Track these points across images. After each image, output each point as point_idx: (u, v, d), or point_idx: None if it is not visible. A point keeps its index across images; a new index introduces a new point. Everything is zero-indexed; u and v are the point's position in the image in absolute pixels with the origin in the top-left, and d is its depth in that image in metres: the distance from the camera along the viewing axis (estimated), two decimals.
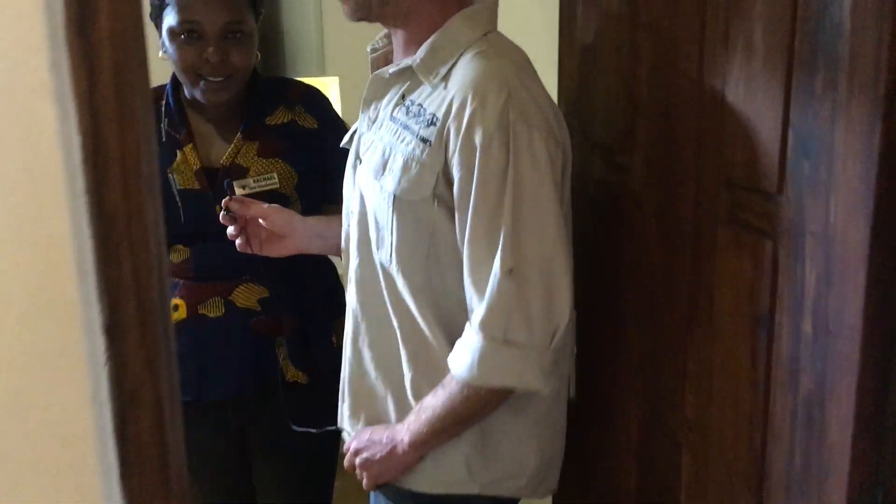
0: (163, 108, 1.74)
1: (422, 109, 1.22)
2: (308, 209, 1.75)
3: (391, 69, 1.28)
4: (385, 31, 1.36)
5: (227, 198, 1.56)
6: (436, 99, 1.21)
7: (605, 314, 1.37)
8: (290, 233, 1.58)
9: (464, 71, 1.20)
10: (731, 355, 1.06)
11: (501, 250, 1.13)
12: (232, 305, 1.74)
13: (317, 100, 1.83)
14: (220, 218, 1.55)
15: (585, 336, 1.42)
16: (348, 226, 1.39)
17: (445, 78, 1.22)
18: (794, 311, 0.95)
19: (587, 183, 1.41)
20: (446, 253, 1.21)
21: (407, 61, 1.25)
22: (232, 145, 1.72)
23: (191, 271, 1.74)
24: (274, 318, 1.76)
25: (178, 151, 1.71)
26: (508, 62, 1.21)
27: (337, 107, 2.68)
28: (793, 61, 0.95)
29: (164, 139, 1.73)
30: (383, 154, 1.26)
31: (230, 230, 1.56)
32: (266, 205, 1.58)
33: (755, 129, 1.01)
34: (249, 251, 1.59)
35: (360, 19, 1.26)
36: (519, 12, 1.84)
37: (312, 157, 1.79)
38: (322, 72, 2.88)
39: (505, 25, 1.74)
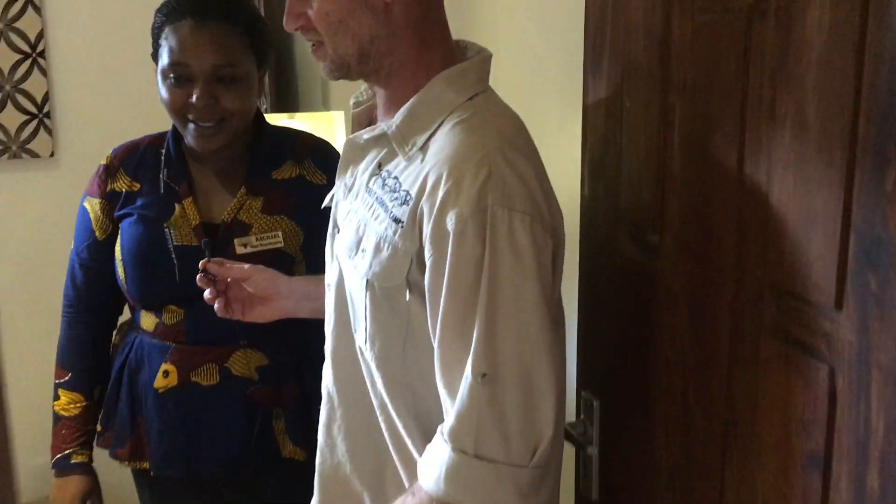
0: (163, 158, 1.63)
1: (397, 184, 1.10)
2: (313, 269, 1.62)
3: (365, 134, 1.16)
4: None
5: (205, 259, 1.45)
6: (412, 173, 1.08)
7: (630, 411, 1.20)
8: (275, 295, 1.47)
9: (442, 143, 1.07)
10: (777, 494, 0.89)
11: (474, 352, 1.00)
12: (227, 373, 1.61)
13: (327, 154, 1.70)
14: (198, 280, 1.45)
15: (608, 431, 1.25)
16: (327, 299, 1.26)
17: (423, 149, 1.09)
18: (856, 457, 0.78)
19: (611, 258, 1.24)
20: (424, 343, 1.08)
21: (382, 127, 1.13)
22: (235, 200, 1.61)
23: (183, 334, 1.61)
24: (273, 388, 1.63)
25: (176, 204, 1.61)
26: (493, 133, 1.07)
27: (340, 142, 2.59)
28: (856, 147, 0.79)
29: (162, 191, 1.62)
30: (357, 230, 1.15)
31: (207, 293, 1.45)
32: (246, 265, 1.47)
33: (808, 228, 0.84)
34: (230, 317, 1.47)
35: (338, 78, 1.15)
36: (539, 57, 1.68)
37: (320, 216, 1.67)
38: (326, 106, 2.81)
39: (523, 71, 1.57)
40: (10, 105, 2.59)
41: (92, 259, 1.67)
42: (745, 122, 0.94)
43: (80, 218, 1.68)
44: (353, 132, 1.22)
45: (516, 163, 1.04)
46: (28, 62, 2.60)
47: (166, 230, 1.59)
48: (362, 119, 1.25)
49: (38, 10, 2.58)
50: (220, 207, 1.62)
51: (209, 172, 1.64)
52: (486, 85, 1.15)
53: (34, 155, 2.65)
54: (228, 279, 1.45)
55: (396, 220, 1.07)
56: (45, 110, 2.64)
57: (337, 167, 1.69)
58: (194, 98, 1.51)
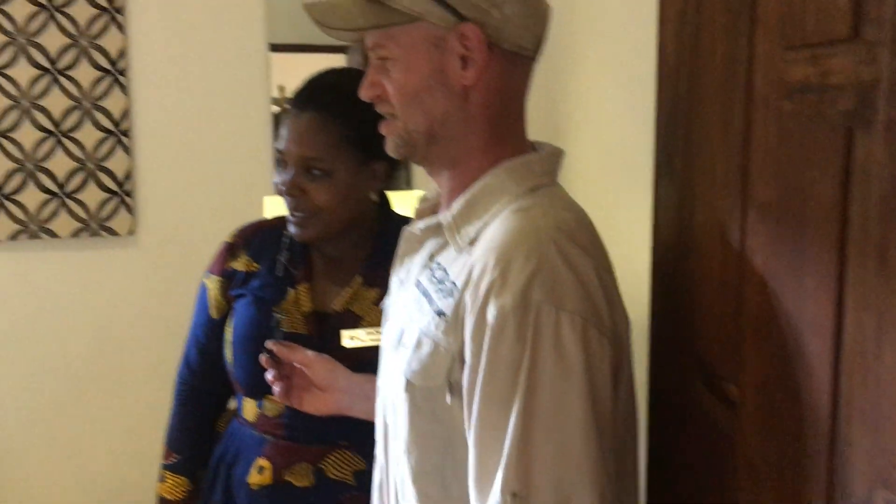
0: (285, 240, 1.58)
1: (445, 275, 1.01)
2: None
3: (420, 224, 1.09)
4: None
5: (272, 340, 1.41)
6: (460, 264, 1.00)
7: None
8: (331, 388, 1.42)
9: (494, 231, 0.98)
10: None
11: (505, 466, 0.89)
12: (322, 475, 1.52)
13: None
14: (261, 359, 1.40)
15: None
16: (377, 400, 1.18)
17: (476, 240, 1.00)
18: None
19: (683, 407, 1.01)
20: (467, 457, 0.95)
21: (439, 217, 1.06)
22: (349, 290, 1.54)
23: (282, 428, 1.54)
24: (370, 497, 1.49)
25: (290, 289, 1.55)
26: (550, 223, 0.96)
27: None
28: None
29: (279, 273, 1.57)
30: (401, 324, 1.07)
31: (268, 375, 1.40)
32: (311, 352, 1.41)
33: None
34: (289, 403, 1.43)
35: (403, 157, 1.08)
36: (610, 152, 1.49)
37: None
38: (409, 185, 2.75)
39: (592, 169, 1.37)
40: (91, 182, 2.59)
41: (206, 339, 1.64)
42: (845, 260, 0.72)
43: (199, 296, 1.65)
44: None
45: (572, 257, 0.93)
46: (111, 140, 2.59)
47: (276, 315, 1.53)
48: (424, 216, 1.17)
49: (123, 88, 2.59)
50: (334, 296, 1.56)
51: (329, 259, 1.58)
52: (554, 179, 1.06)
53: (113, 233, 2.63)
54: (294, 363, 1.42)
55: (440, 314, 0.98)
56: (126, 188, 2.63)
57: None
58: (285, 186, 1.48)
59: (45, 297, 2.62)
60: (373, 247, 1.55)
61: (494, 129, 1.03)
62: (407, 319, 1.04)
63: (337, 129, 1.46)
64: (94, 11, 2.55)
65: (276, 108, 2.80)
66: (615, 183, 1.48)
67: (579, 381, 0.88)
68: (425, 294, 1.02)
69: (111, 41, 2.57)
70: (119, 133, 2.62)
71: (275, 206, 2.47)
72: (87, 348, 2.67)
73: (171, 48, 2.65)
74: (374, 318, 1.51)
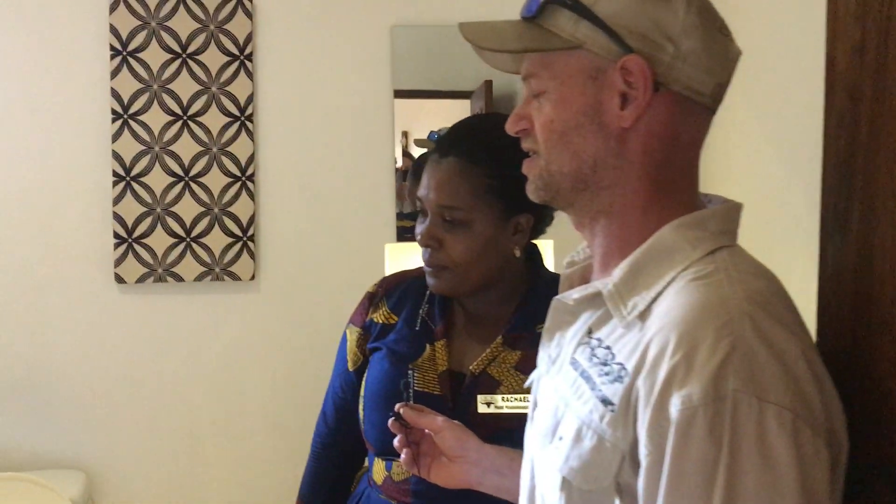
0: (427, 292, 1.48)
1: (609, 355, 0.84)
2: None
3: (575, 294, 0.92)
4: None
5: (402, 403, 1.29)
6: (629, 343, 0.83)
7: None
8: (461, 458, 1.28)
9: (670, 304, 0.81)
10: None
11: None
12: None
13: None
14: (389, 424, 1.28)
15: None
16: (521, 494, 1.03)
17: (646, 313, 0.83)
18: None
19: None
20: None
21: (597, 285, 0.89)
22: (488, 350, 1.41)
23: (409, 495, 1.41)
24: None
25: (427, 345, 1.44)
26: (740, 294, 0.79)
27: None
28: None
29: (418, 327, 1.47)
30: (555, 412, 0.90)
31: (396, 441, 1.29)
32: (440, 418, 1.28)
33: None
34: (415, 472, 1.30)
35: (543, 200, 0.95)
36: (776, 211, 1.32)
37: None
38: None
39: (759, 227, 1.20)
40: (216, 228, 2.61)
41: (343, 392, 1.56)
42: None
43: (340, 347, 1.58)
44: (560, 294, 0.99)
45: (773, 335, 0.76)
46: (237, 185, 2.61)
47: (410, 372, 1.43)
48: (574, 281, 1.02)
49: (250, 134, 2.60)
50: (471, 356, 1.44)
51: (470, 316, 1.47)
52: (734, 239, 0.89)
53: (236, 278, 2.63)
54: (420, 427, 1.29)
55: (605, 402, 0.82)
56: (250, 233, 2.63)
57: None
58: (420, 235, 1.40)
59: (168, 340, 2.64)
60: (518, 306, 1.43)
61: (656, 181, 0.88)
62: (562, 405, 0.90)
63: (478, 178, 1.36)
64: (225, 58, 2.58)
65: (398, 154, 2.75)
66: (770, 242, 1.31)
67: (792, 492, 0.72)
68: (585, 376, 0.87)
69: (240, 87, 2.60)
70: (245, 178, 2.63)
71: (397, 254, 2.40)
72: (205, 394, 2.66)
73: (297, 94, 2.65)
74: (512, 384, 1.39)
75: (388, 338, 1.48)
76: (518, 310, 1.42)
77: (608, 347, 0.84)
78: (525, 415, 1.33)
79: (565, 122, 0.88)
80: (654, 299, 0.83)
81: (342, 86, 2.67)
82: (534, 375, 1.04)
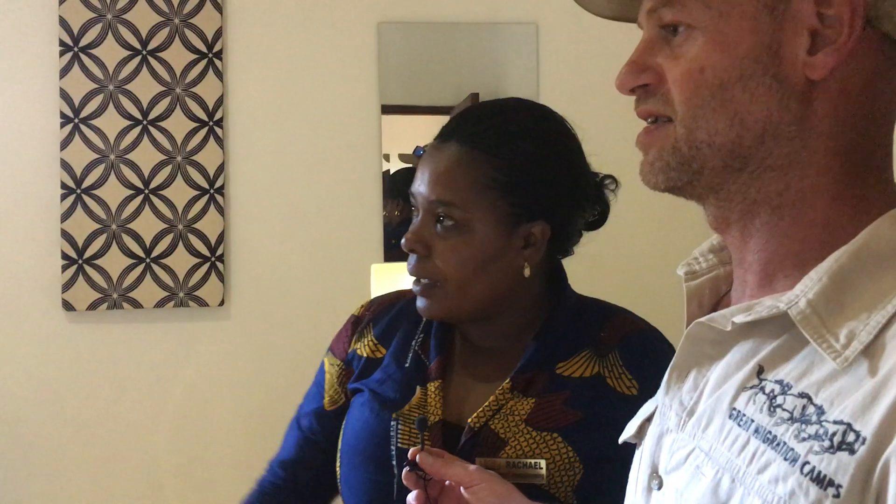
0: (423, 321, 1.17)
1: (811, 408, 0.58)
2: None
3: (738, 316, 0.63)
4: (714, 237, 0.74)
5: (416, 447, 1.00)
6: (851, 390, 0.57)
7: None
8: None
9: None
10: None
11: None
12: None
13: (646, 350, 1.14)
14: (403, 477, 1.00)
15: None
16: None
17: (873, 348, 0.57)
18: None
19: None
20: None
21: (775, 303, 0.61)
22: (491, 397, 1.10)
23: None
24: None
25: (419, 387, 1.13)
26: None
27: None
28: None
29: (408, 363, 1.16)
30: (715, 489, 0.61)
31: (412, 497, 1.01)
32: (472, 466, 1.00)
33: None
34: None
35: (663, 184, 0.67)
36: None
37: (616, 447, 1.13)
38: None
39: None
40: (180, 247, 2.31)
41: (313, 431, 1.23)
42: None
43: (317, 377, 1.25)
44: (688, 315, 0.72)
45: None
46: (204, 199, 2.32)
47: (394, 423, 1.11)
48: (704, 297, 0.74)
49: (219, 141, 2.32)
50: (472, 404, 1.12)
51: (476, 350, 1.16)
52: None
53: (202, 303, 2.33)
54: (445, 480, 1.01)
55: (819, 480, 0.56)
56: (219, 253, 2.33)
57: (658, 371, 1.15)
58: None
59: (124, 375, 2.32)
60: (536, 337, 1.13)
61: (850, 158, 0.63)
62: (727, 480, 0.62)
63: (482, 169, 1.08)
64: (191, 56, 2.30)
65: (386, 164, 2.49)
66: None
67: None
68: (766, 438, 0.59)
69: (208, 89, 2.31)
70: (213, 191, 2.33)
71: (385, 276, 2.12)
72: (167, 437, 2.34)
73: (272, 97, 2.39)
74: (521, 444, 1.08)
75: (372, 377, 1.18)
76: (532, 344, 1.13)
77: (807, 397, 0.58)
78: (533, 483, 1.05)
79: (724, 70, 0.62)
80: (885, 325, 0.57)
81: (324, 88, 2.40)
82: (651, 432, 0.74)
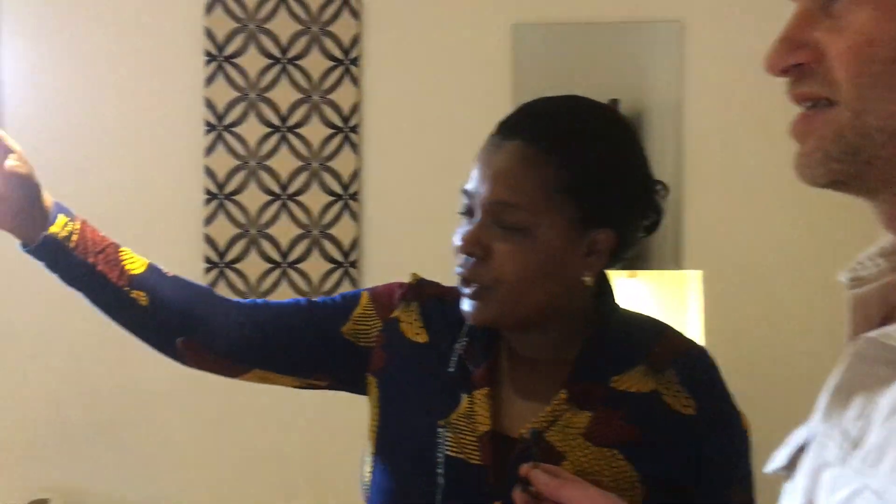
0: (465, 324, 1.10)
1: None
2: None
3: None
4: (885, 239, 0.62)
5: (530, 463, 0.93)
6: None
7: None
8: None
9: None
10: None
11: None
12: None
13: (701, 368, 1.08)
14: (515, 497, 0.93)
15: None
16: None
17: None
18: None
19: None
20: None
21: None
22: (548, 408, 1.04)
23: None
24: None
25: (463, 395, 1.07)
26: None
27: (696, 307, 1.96)
28: None
29: (452, 367, 1.09)
30: None
31: None
32: (595, 489, 0.94)
33: None
34: None
35: (830, 183, 0.58)
36: None
37: (678, 465, 1.05)
38: (678, 264, 2.25)
39: None
40: (315, 252, 2.33)
41: (313, 312, 1.17)
42: None
43: (347, 298, 1.19)
44: (852, 328, 0.62)
45: None
46: (339, 204, 2.33)
47: (440, 430, 1.06)
48: (871, 308, 0.63)
49: (354, 147, 2.32)
50: (522, 414, 1.06)
51: (520, 359, 1.10)
52: None
53: None
54: (562, 500, 0.92)
55: None
56: (352, 259, 2.34)
57: (713, 391, 1.06)
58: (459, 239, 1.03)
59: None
60: (584, 350, 1.07)
61: None
62: None
63: (550, 170, 1.01)
64: (328, 63, 2.32)
65: None
66: None
67: None
68: None
69: (344, 95, 2.32)
70: (347, 197, 2.34)
71: None
72: (300, 434, 2.36)
73: (407, 102, 2.37)
74: (580, 459, 1.02)
75: (410, 369, 1.12)
76: (585, 355, 1.06)
77: None
78: None
79: None
80: None
81: (458, 93, 2.36)
82: (807, 464, 0.65)
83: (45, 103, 2.23)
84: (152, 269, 1.13)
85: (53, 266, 1.08)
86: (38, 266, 1.09)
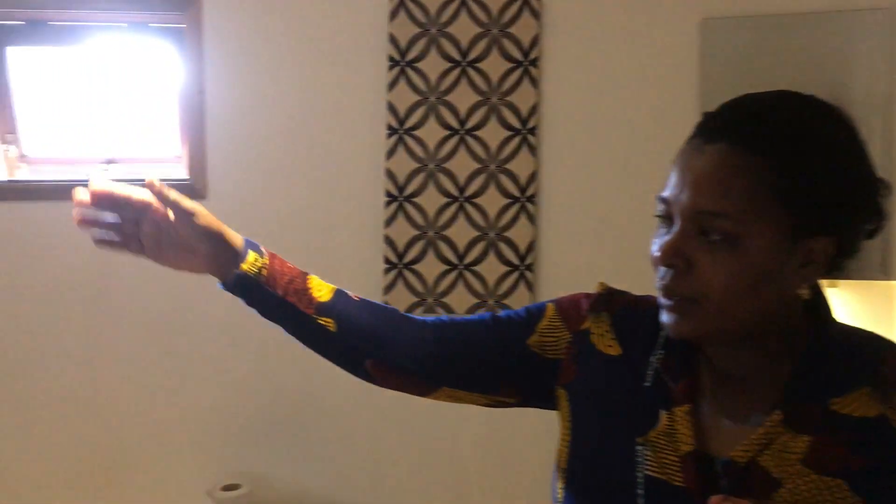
0: (661, 336, 1.05)
1: None
2: None
3: None
4: None
5: (720, 496, 0.84)
6: None
7: None
8: None
9: None
10: None
11: None
12: None
13: None
14: None
15: None
16: None
17: None
18: None
19: None
20: None
21: None
22: (760, 430, 0.96)
23: None
24: None
25: (663, 412, 1.01)
26: None
27: None
28: None
29: (648, 381, 1.04)
30: None
31: None
32: None
33: None
34: None
35: None
36: None
37: None
38: (887, 273, 2.05)
39: None
40: (491, 254, 2.32)
41: (499, 327, 1.15)
42: None
43: (532, 310, 1.16)
44: None
45: None
46: (516, 207, 2.31)
47: (639, 448, 1.00)
48: None
49: (532, 149, 2.30)
50: (730, 436, 0.99)
51: (723, 376, 1.02)
52: None
53: None
54: None
55: None
56: (528, 262, 2.31)
57: None
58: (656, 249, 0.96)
59: None
60: (800, 368, 0.97)
61: None
62: None
63: (762, 175, 0.91)
64: (508, 65, 2.30)
65: None
66: None
67: None
68: None
69: (523, 97, 2.30)
70: (524, 199, 2.32)
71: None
72: (474, 436, 2.36)
73: (587, 104, 2.31)
74: (800, 488, 0.93)
75: (601, 382, 1.06)
76: (800, 373, 0.96)
77: None
78: None
79: None
80: None
81: (640, 92, 2.28)
82: None
83: (241, 109, 2.35)
84: (339, 295, 1.16)
85: (250, 302, 1.13)
86: None
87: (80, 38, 2.40)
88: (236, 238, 1.13)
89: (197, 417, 2.41)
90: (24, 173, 2.48)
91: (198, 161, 2.34)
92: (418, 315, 1.30)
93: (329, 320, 1.14)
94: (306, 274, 1.16)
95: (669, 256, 0.94)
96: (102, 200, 1.07)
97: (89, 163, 2.44)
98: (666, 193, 0.97)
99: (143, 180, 1.10)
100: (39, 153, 2.49)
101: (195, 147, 2.34)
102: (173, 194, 1.07)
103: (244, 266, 1.11)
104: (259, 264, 1.12)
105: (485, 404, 1.16)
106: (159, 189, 1.06)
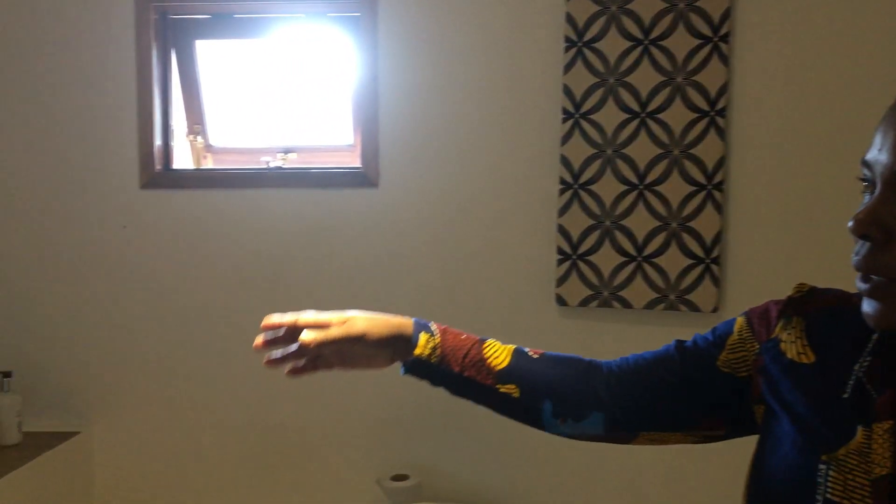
0: (872, 340, 0.92)
1: None
2: None
3: None
4: None
5: None
6: None
7: None
8: None
9: None
10: None
11: None
12: None
13: None
14: None
15: None
16: None
17: None
18: None
19: None
20: None
21: None
22: None
23: None
24: None
25: (860, 427, 0.87)
26: None
27: None
28: None
29: (847, 392, 0.90)
30: None
31: None
32: None
33: None
34: None
35: None
36: None
37: None
38: None
39: None
40: (674, 246, 2.16)
41: (686, 358, 1.06)
42: None
43: (719, 328, 1.07)
44: None
45: None
46: (701, 195, 2.14)
47: (823, 468, 0.87)
48: None
49: (720, 132, 2.12)
50: None
51: None
52: None
53: (694, 308, 2.16)
54: None
55: None
56: (714, 255, 2.14)
57: None
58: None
59: None
60: None
61: None
62: None
63: None
64: (695, 42, 2.14)
65: None
66: None
67: None
68: None
69: (711, 76, 2.13)
70: (711, 187, 2.15)
71: None
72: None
73: (783, 82, 2.11)
74: None
75: (789, 392, 0.93)
76: None
77: None
78: None
79: None
80: None
81: (845, 67, 2.05)
82: None
83: (413, 97, 2.32)
84: (518, 357, 1.13)
85: (433, 382, 1.14)
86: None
87: (262, 30, 2.46)
88: (406, 325, 1.13)
89: (369, 407, 2.41)
90: (209, 162, 2.58)
91: (370, 150, 2.34)
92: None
93: (511, 386, 1.11)
94: (483, 341, 1.14)
95: (864, 225, 0.80)
96: (285, 336, 1.12)
97: (268, 153, 2.49)
98: (868, 156, 0.84)
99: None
100: (223, 143, 2.58)
101: (368, 136, 2.34)
102: (333, 332, 1.08)
103: (416, 351, 1.11)
104: (431, 344, 1.11)
105: (693, 442, 1.08)
106: (320, 342, 1.07)
